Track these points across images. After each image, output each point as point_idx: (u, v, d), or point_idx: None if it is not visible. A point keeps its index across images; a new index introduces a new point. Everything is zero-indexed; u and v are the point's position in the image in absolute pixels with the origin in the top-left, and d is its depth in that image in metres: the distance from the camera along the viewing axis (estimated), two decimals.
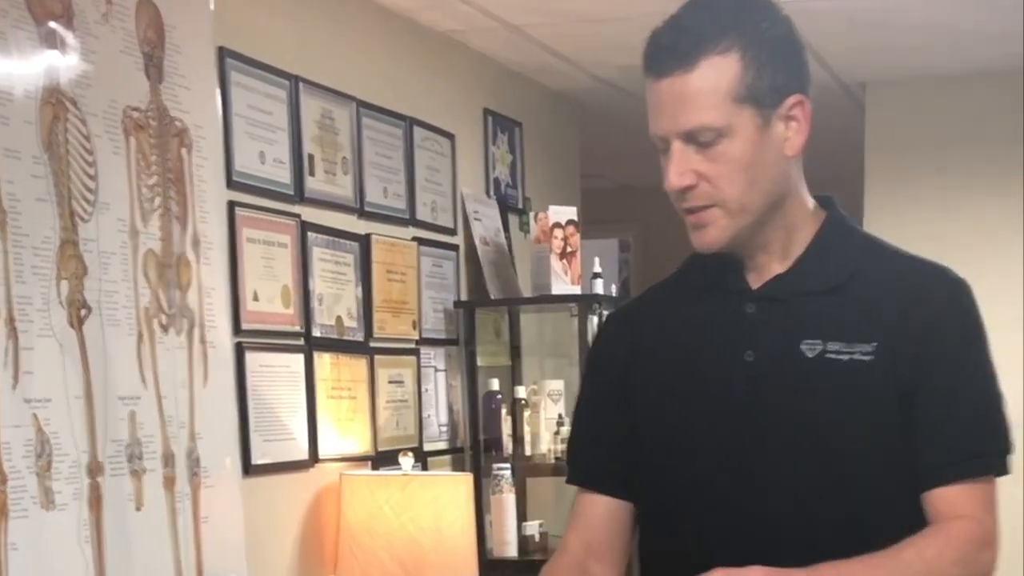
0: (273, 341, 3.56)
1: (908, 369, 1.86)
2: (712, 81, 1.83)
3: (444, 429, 4.49)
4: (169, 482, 3.03)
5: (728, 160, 1.85)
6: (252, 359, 3.45)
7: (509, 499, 4.33)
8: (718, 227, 1.88)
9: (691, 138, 1.84)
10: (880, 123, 5.47)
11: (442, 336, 4.47)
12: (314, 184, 3.76)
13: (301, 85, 3.70)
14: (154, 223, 3.02)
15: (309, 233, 3.71)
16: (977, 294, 1.92)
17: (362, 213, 4.01)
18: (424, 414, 4.33)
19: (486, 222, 4.74)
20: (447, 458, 4.50)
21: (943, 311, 1.90)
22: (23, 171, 2.64)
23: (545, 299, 4.56)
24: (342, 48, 3.96)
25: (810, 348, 1.88)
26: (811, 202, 1.97)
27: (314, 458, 3.72)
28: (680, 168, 1.85)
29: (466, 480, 3.88)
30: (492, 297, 4.61)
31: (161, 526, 3.01)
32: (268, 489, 3.53)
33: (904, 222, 5.33)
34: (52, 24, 2.74)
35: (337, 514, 3.72)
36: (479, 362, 4.58)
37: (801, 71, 1.91)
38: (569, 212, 4.64)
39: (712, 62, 1.83)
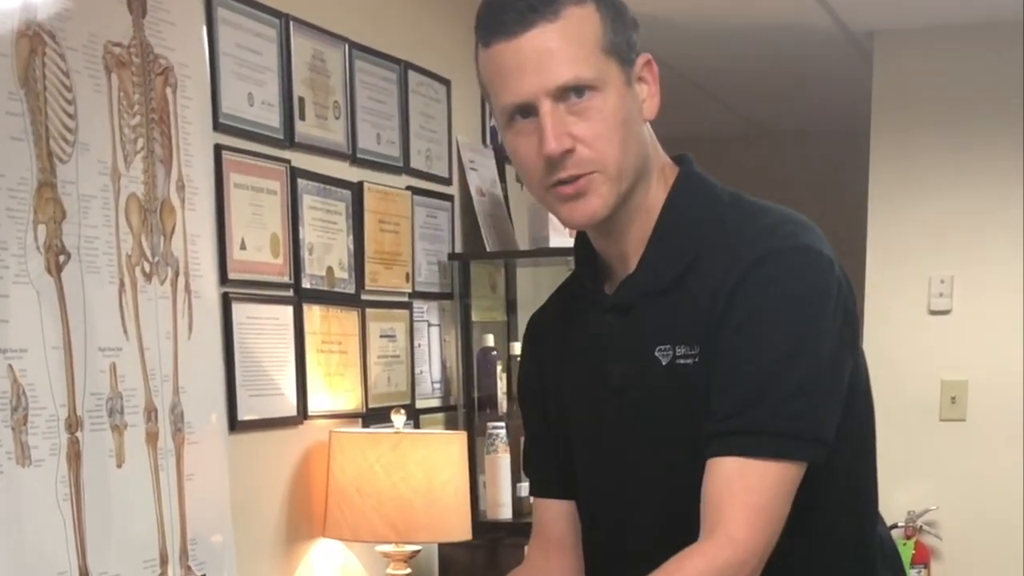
0: (261, 292, 3.41)
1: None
2: (579, 30, 1.71)
3: (437, 386, 4.36)
4: (152, 438, 2.90)
5: (604, 117, 1.72)
6: (239, 310, 3.30)
7: (504, 459, 4.20)
8: (600, 195, 1.76)
9: (562, 96, 1.71)
10: (889, 74, 5.27)
11: (436, 289, 4.33)
12: (304, 128, 3.61)
13: (292, 24, 3.54)
14: (137, 166, 2.88)
15: (299, 180, 3.56)
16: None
17: (354, 160, 3.86)
18: (417, 370, 4.20)
19: (482, 172, 4.59)
20: (440, 416, 4.36)
21: (741, 281, 1.74)
22: None
23: (543, 252, 4.41)
24: None
25: (664, 355, 1.80)
26: (668, 175, 1.87)
27: (303, 414, 3.58)
28: (558, 131, 1.71)
29: (459, 439, 3.75)
30: (488, 249, 4.46)
31: (143, 484, 2.88)
32: (255, 446, 3.40)
33: (911, 176, 5.18)
34: None
35: (326, 473, 3.59)
36: (474, 317, 4.44)
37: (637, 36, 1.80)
38: None
39: (574, 11, 1.72)
